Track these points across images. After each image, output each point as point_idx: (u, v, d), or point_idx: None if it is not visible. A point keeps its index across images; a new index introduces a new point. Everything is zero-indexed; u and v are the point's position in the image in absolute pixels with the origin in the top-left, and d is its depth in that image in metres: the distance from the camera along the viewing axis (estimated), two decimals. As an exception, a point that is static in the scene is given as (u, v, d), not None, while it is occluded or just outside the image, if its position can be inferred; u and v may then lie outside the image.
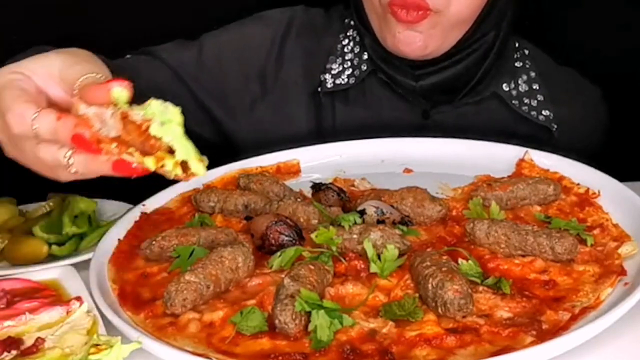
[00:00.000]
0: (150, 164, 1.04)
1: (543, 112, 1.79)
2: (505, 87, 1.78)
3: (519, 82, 1.80)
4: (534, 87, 1.80)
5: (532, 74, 1.82)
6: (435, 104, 1.78)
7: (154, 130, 1.03)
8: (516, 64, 1.82)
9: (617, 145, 1.88)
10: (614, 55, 2.16)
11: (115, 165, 1.07)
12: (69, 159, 1.09)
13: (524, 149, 1.57)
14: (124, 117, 1.05)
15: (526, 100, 1.79)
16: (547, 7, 2.08)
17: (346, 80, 1.80)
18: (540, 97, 1.80)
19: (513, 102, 1.78)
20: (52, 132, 1.08)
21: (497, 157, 1.59)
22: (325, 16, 1.90)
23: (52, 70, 1.15)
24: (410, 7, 1.57)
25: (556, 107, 1.80)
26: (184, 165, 1.05)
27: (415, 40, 1.61)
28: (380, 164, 1.65)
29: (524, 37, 1.88)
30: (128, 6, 2.19)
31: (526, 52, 1.85)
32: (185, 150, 1.04)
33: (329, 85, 1.80)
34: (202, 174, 1.06)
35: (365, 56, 1.78)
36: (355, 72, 1.79)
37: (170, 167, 1.04)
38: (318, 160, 1.67)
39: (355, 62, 1.79)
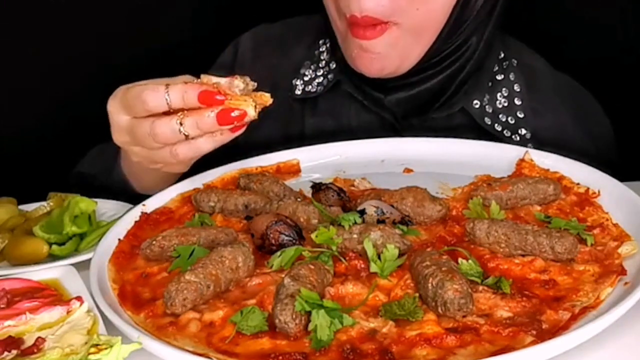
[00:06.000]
0: (248, 105, 1.30)
1: (519, 131, 1.72)
2: (475, 103, 1.73)
3: (498, 96, 1.74)
4: (516, 102, 1.74)
5: (516, 88, 1.75)
6: (406, 117, 1.75)
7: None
8: (497, 77, 1.75)
9: (617, 145, 1.87)
10: (613, 55, 2.16)
11: (219, 115, 1.27)
12: (181, 125, 1.28)
13: (524, 149, 1.57)
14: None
15: (502, 118, 1.73)
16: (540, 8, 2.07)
17: (315, 88, 1.80)
18: (520, 114, 1.73)
19: (485, 119, 1.72)
20: (181, 96, 1.28)
21: (497, 157, 1.58)
22: (302, 24, 1.90)
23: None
24: (366, 24, 1.54)
25: (541, 117, 1.74)
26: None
27: (372, 62, 1.59)
28: (380, 164, 1.65)
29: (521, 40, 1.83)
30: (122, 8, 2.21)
31: (514, 62, 1.77)
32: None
33: (298, 92, 1.81)
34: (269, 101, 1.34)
35: (334, 66, 1.78)
36: (324, 82, 1.79)
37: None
38: (318, 160, 1.67)
39: (326, 71, 1.80)
